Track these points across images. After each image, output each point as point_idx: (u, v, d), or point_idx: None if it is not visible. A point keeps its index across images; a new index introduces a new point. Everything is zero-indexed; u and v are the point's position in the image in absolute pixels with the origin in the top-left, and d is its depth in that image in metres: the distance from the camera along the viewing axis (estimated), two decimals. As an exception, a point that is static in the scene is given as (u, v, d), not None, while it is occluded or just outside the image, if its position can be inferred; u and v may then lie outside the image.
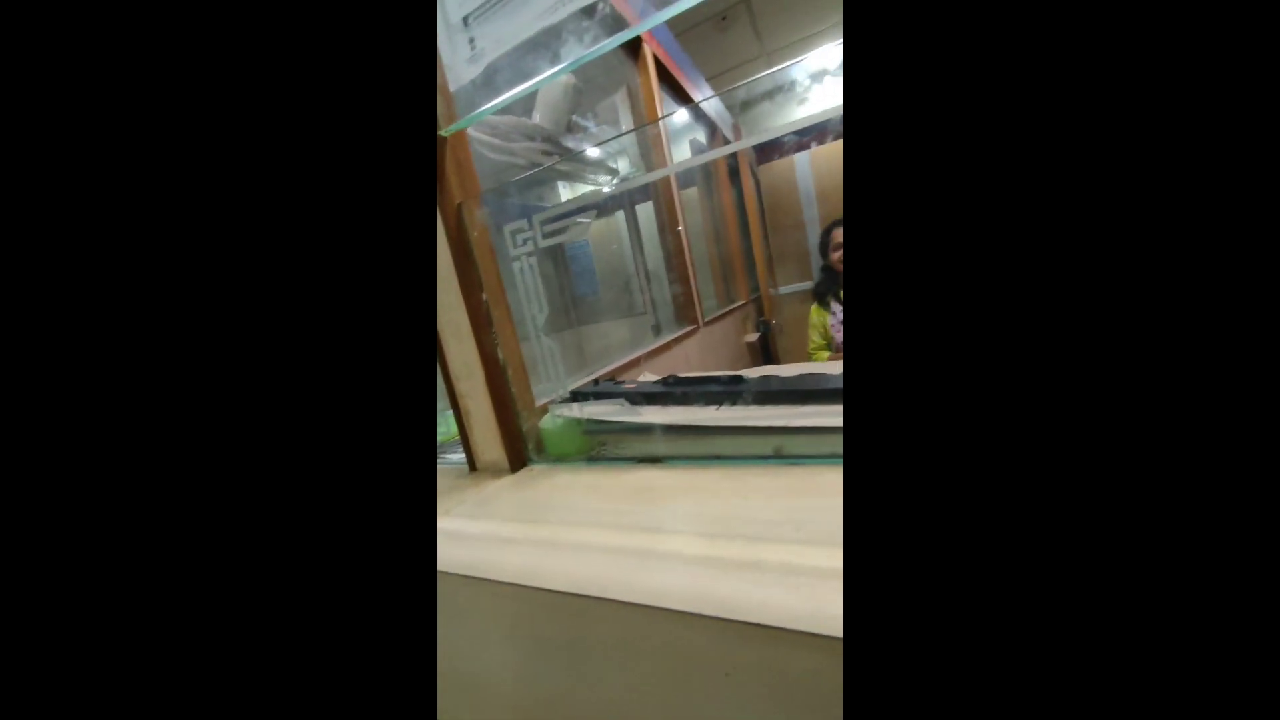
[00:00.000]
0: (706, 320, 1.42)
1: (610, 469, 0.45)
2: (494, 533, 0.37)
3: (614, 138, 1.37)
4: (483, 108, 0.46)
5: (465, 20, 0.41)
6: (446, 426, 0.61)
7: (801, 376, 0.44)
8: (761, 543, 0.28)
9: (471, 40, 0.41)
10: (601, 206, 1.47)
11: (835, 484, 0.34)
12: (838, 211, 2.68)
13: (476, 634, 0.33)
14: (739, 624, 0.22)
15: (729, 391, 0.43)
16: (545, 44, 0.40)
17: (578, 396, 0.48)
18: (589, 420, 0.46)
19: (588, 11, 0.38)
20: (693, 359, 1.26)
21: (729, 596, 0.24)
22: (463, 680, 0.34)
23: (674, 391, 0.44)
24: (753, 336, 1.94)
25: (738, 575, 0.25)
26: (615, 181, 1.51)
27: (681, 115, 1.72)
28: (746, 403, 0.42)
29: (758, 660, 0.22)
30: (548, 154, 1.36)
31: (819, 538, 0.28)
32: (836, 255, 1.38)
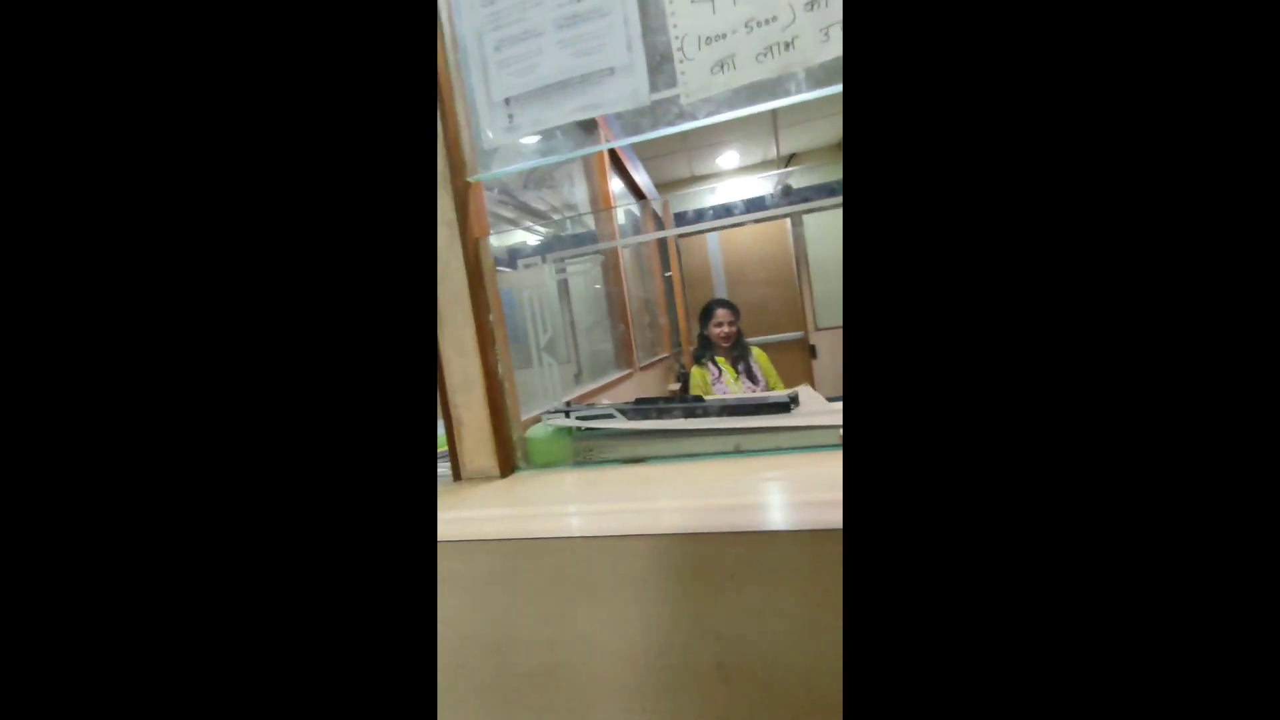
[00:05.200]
0: (640, 366, 1.56)
1: (598, 469, 0.52)
2: (513, 513, 0.43)
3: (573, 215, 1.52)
4: (501, 169, 0.56)
5: (507, 100, 0.52)
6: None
7: (749, 396, 0.57)
8: (736, 495, 0.39)
9: (510, 115, 0.52)
10: (597, 253, 1.58)
11: (788, 464, 0.46)
12: (739, 285, 3.11)
13: (522, 589, 0.38)
14: (734, 534, 0.32)
15: (696, 406, 0.54)
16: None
17: (569, 410, 0.56)
18: (577, 430, 0.54)
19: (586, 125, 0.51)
20: (626, 398, 1.36)
21: (725, 521, 0.34)
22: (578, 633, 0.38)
23: (655, 407, 0.55)
24: (675, 385, 2.12)
25: (724, 512, 0.35)
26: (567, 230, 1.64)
27: (621, 185, 1.95)
28: (709, 414, 0.54)
29: (752, 556, 0.32)
30: (502, 203, 1.47)
31: (794, 488, 0.39)
32: (717, 331, 1.62)
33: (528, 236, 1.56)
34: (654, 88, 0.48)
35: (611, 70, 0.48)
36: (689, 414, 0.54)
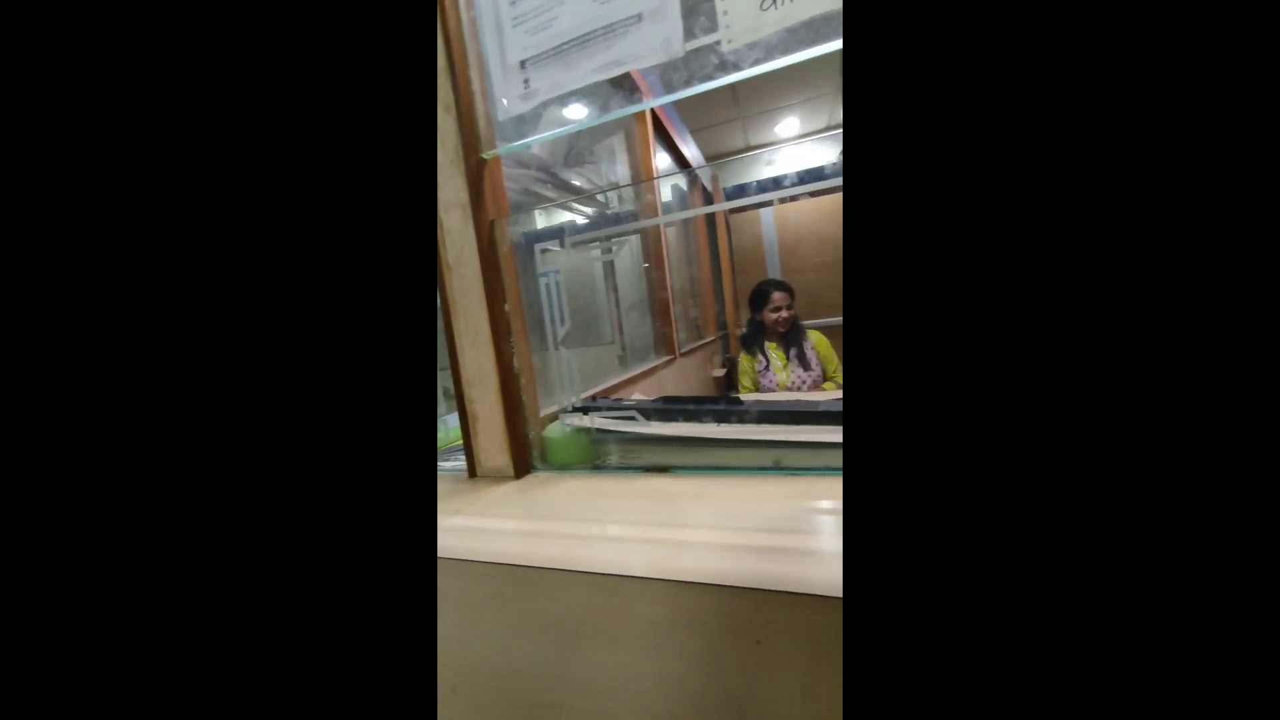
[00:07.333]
0: (681, 351, 1.49)
1: (618, 477, 0.47)
2: (522, 528, 0.39)
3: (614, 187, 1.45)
4: (519, 141, 0.51)
5: (522, 64, 0.46)
6: (445, 432, 0.62)
7: (796, 401, 0.50)
8: (775, 533, 0.32)
9: (526, 80, 0.46)
10: (624, 233, 1.51)
11: (832, 489, 0.39)
12: (794, 263, 2.89)
13: (525, 619, 0.34)
14: (769, 592, 0.25)
15: (731, 410, 0.47)
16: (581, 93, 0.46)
17: (588, 408, 0.51)
18: (596, 430, 0.49)
19: (618, 81, 0.44)
20: (666, 386, 1.30)
21: (758, 573, 0.27)
22: (486, 667, 0.35)
23: (683, 408, 0.48)
24: (719, 371, 2.03)
25: (759, 557, 0.29)
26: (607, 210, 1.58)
27: (668, 160, 1.84)
28: (746, 421, 0.47)
29: (785, 621, 0.25)
30: (541, 181, 1.42)
31: (827, 529, 0.32)
32: (773, 316, 1.44)
33: (574, 216, 1.51)
34: (689, 34, 0.40)
35: (639, 17, 0.41)
36: (722, 419, 0.47)
